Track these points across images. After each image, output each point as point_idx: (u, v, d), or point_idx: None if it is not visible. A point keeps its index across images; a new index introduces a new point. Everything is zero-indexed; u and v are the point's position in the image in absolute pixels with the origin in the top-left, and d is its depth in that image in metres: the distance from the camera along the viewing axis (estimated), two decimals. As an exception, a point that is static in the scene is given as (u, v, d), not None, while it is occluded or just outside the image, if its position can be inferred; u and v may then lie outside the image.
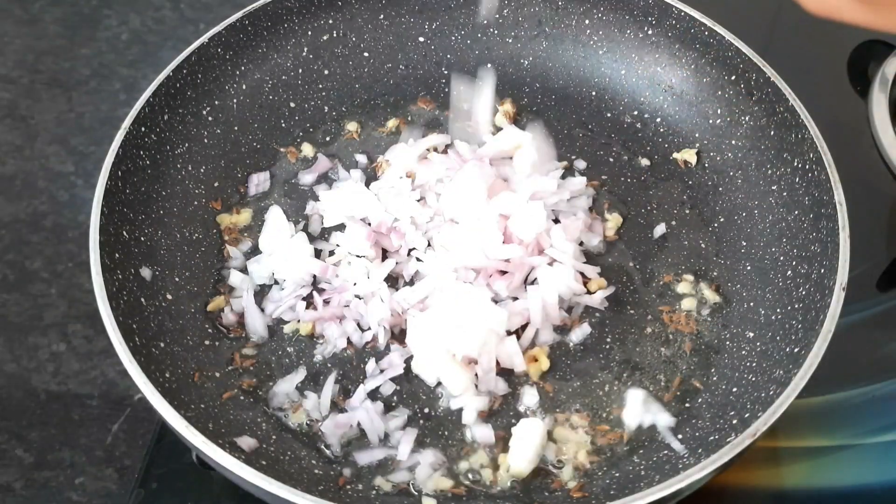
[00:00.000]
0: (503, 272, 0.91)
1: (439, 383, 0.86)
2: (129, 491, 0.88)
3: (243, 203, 0.99)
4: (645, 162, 1.03)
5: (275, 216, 0.96)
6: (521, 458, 0.80)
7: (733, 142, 1.00)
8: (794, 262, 0.89)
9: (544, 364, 0.87)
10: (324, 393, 0.85)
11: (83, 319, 1.05)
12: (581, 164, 1.03)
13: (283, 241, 0.94)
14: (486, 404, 0.84)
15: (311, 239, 0.96)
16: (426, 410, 0.85)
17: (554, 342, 0.89)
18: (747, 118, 0.99)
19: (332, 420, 0.83)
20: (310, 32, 1.06)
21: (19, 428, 0.98)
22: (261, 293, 0.92)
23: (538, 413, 0.85)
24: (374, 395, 0.86)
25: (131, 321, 0.81)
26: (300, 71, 1.06)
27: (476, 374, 0.85)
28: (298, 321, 0.90)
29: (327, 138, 1.05)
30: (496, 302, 0.90)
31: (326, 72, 1.08)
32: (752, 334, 0.88)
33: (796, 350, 0.80)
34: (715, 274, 0.94)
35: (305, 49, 1.06)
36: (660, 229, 0.97)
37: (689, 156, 1.02)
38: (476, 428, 0.83)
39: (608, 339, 0.90)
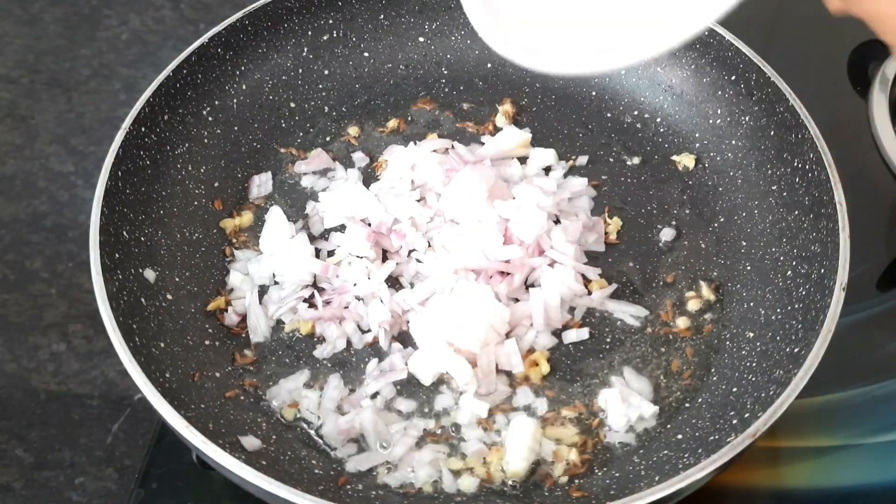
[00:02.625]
0: (503, 273, 0.91)
1: (436, 383, 0.86)
2: (129, 491, 0.88)
3: (245, 205, 0.99)
4: (645, 162, 1.03)
5: (275, 216, 0.96)
6: (516, 457, 0.80)
7: (733, 142, 1.00)
8: (794, 262, 0.89)
9: (545, 368, 0.87)
10: (325, 393, 0.85)
11: (83, 319, 1.05)
12: (582, 159, 1.03)
13: (284, 242, 0.94)
14: (485, 410, 0.84)
15: (312, 239, 0.96)
16: (426, 410, 0.85)
17: (553, 345, 0.89)
18: (747, 118, 0.99)
19: (333, 420, 0.84)
20: (310, 32, 1.06)
21: (19, 428, 0.98)
22: (260, 293, 0.92)
23: (533, 412, 0.85)
24: (374, 394, 0.86)
25: (131, 321, 0.81)
26: (300, 71, 1.06)
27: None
28: (298, 321, 0.90)
29: (327, 138, 1.05)
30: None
31: (326, 72, 1.08)
32: (752, 334, 0.88)
33: (796, 350, 0.80)
34: (715, 274, 0.94)
35: (305, 49, 1.06)
36: (667, 233, 0.97)
37: (687, 160, 1.01)
38: (472, 430, 0.84)
39: (608, 340, 0.90)
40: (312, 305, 0.91)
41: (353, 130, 1.06)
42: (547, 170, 1.02)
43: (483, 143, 1.03)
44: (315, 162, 1.02)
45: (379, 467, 0.81)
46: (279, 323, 0.91)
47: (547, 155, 1.02)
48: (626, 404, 0.84)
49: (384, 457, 0.81)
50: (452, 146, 1.02)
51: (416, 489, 0.80)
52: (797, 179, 0.92)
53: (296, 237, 0.94)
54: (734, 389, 0.84)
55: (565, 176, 1.01)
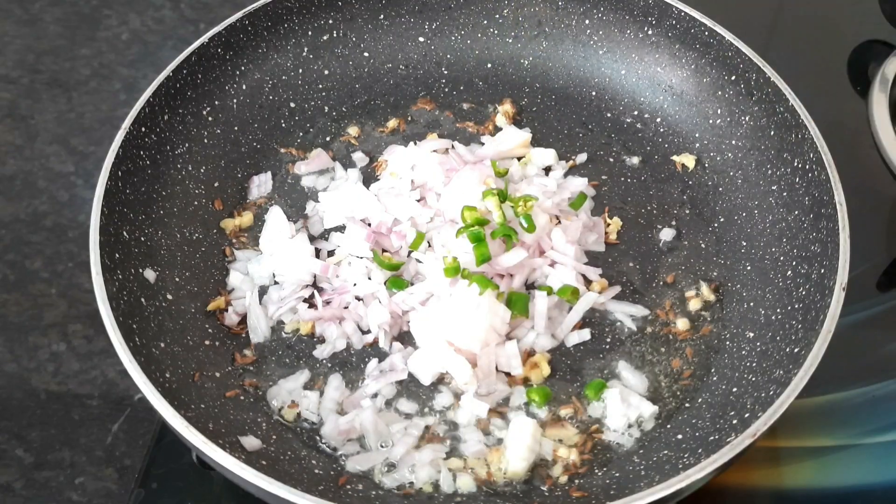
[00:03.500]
0: (503, 274, 0.91)
1: (436, 383, 0.86)
2: (129, 491, 0.88)
3: (245, 205, 0.99)
4: (645, 162, 1.03)
5: (275, 216, 0.96)
6: (516, 457, 0.80)
7: (733, 142, 1.00)
8: (794, 262, 0.89)
9: (545, 370, 0.87)
10: (325, 393, 0.85)
11: (83, 319, 1.05)
12: (582, 158, 1.03)
13: (284, 242, 0.94)
14: (485, 410, 0.84)
15: (312, 239, 0.96)
16: (426, 410, 0.85)
17: (553, 346, 0.89)
18: (747, 118, 0.99)
19: (333, 420, 0.84)
20: (310, 32, 1.06)
21: (19, 428, 0.97)
22: (260, 293, 0.92)
23: (533, 412, 0.85)
24: (374, 394, 0.86)
25: (131, 321, 0.81)
26: (300, 71, 1.06)
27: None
28: (298, 321, 0.90)
29: (327, 138, 1.05)
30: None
31: (326, 72, 1.08)
32: (752, 334, 0.88)
33: (796, 350, 0.80)
34: (715, 274, 0.94)
35: (305, 49, 1.06)
36: (667, 233, 0.97)
37: (687, 160, 1.02)
38: (472, 430, 0.84)
39: (608, 340, 0.90)
40: (312, 305, 0.91)
41: (353, 130, 1.06)
42: (547, 170, 1.02)
43: (483, 143, 1.03)
44: (315, 162, 1.02)
45: (378, 467, 0.81)
46: (279, 323, 0.91)
47: (547, 155, 1.02)
48: (625, 404, 0.84)
49: (384, 457, 0.81)
50: (452, 146, 1.02)
51: (416, 489, 0.80)
52: (797, 179, 0.92)
53: (296, 237, 0.94)
54: (734, 389, 0.84)
55: (565, 176, 1.01)
